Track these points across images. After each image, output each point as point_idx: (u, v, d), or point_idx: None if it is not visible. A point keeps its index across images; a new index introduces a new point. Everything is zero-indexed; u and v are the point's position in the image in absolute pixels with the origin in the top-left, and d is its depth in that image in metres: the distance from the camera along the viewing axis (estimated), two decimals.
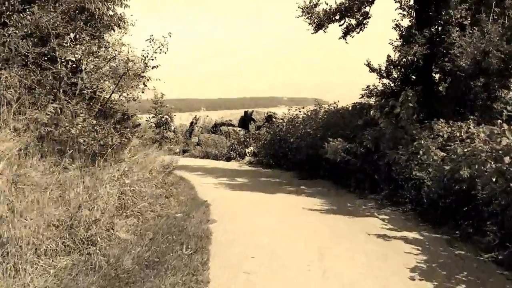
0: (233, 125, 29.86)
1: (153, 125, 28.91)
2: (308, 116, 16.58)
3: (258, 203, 9.99)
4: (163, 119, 28.58)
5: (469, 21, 10.56)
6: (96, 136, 7.98)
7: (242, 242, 6.69)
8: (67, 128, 7.54)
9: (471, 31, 10.05)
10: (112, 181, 6.87)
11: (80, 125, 7.54)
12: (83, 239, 5.40)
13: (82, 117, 8.55)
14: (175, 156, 24.43)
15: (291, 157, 16.22)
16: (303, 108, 17.91)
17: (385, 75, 13.08)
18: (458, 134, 8.79)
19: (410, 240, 7.05)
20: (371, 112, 10.73)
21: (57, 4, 12.33)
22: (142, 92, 12.44)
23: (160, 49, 12.09)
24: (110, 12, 14.45)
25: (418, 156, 9.04)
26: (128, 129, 9.74)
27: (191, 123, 32.32)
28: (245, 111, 30.68)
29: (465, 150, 7.05)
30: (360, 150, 10.88)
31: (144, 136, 18.44)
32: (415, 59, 11.40)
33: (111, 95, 10.83)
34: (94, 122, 8.54)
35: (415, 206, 9.12)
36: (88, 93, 10.97)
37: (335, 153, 11.05)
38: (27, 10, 11.53)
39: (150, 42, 12.08)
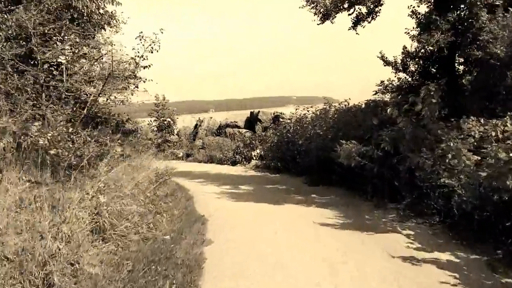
0: (239, 127, 28.83)
1: (155, 128, 28.03)
2: (317, 115, 15.44)
3: (263, 217, 8.89)
4: (165, 122, 27.66)
5: (501, 1, 9.31)
6: (72, 146, 6.94)
7: (241, 273, 5.60)
8: (36, 138, 6.53)
9: (504, 13, 8.82)
10: (84, 200, 5.83)
11: (50, 134, 6.50)
12: (38, 279, 4.37)
13: (60, 124, 7.56)
14: (176, 162, 23.57)
15: (300, 160, 15.11)
16: (311, 107, 16.77)
17: (401, 68, 11.89)
18: (493, 133, 7.60)
19: (444, 263, 5.92)
20: (388, 110, 9.57)
21: (41, 2, 11.46)
22: (132, 94, 11.45)
23: (152, 47, 11.08)
24: (100, 10, 13.58)
25: (447, 160, 7.88)
26: (109, 137, 8.68)
27: (196, 125, 31.38)
28: (251, 112, 29.65)
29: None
30: (377, 153, 9.75)
31: (140, 142, 17.37)
32: (436, 49, 10.20)
33: (96, 99, 9.81)
34: (70, 130, 7.50)
35: (443, 218, 8.01)
36: (71, 97, 10.02)
37: (349, 157, 9.92)
38: (12, 11, 10.67)
39: (140, 39, 11.07)
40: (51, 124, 7.84)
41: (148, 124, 28.44)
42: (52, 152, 6.31)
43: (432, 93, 8.72)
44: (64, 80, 9.15)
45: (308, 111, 16.73)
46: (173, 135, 28.49)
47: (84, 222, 5.39)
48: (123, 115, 11.76)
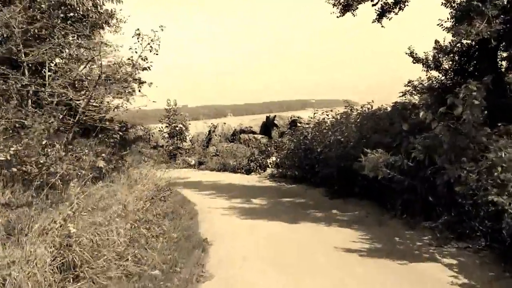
0: (254, 132, 27.75)
1: (167, 135, 27.15)
2: (337, 120, 14.19)
3: (276, 242, 7.73)
4: (177, 128, 26.74)
5: None
6: (45, 161, 5.93)
7: None
8: None
9: None
10: (51, 230, 4.79)
11: (13, 148, 5.50)
12: None
13: (34, 136, 6.57)
14: (188, 170, 22.59)
15: (319, 169, 13.89)
16: (331, 110, 15.51)
17: (433, 66, 10.60)
18: None
19: None
20: (421, 114, 8.28)
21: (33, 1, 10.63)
22: (128, 100, 10.47)
23: (151, 46, 10.10)
24: (99, 9, 12.71)
25: (495, 174, 6.60)
26: (86, 150, 7.63)
27: (209, 131, 30.38)
28: (266, 116, 28.54)
29: None
30: (408, 164, 8.50)
31: (142, 151, 16.39)
32: (476, 41, 8.89)
33: (86, 105, 8.83)
34: (45, 142, 6.48)
35: (490, 241, 6.76)
36: (59, 104, 9.07)
37: (375, 168, 8.67)
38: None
39: (137, 38, 10.09)
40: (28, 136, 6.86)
41: (159, 130, 27.59)
42: (14, 169, 5.30)
43: (474, 93, 7.45)
44: (47, 84, 8.21)
45: (327, 115, 15.49)
46: (185, 141, 27.54)
47: (45, 260, 4.33)
48: (115, 123, 10.72)
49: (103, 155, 8.41)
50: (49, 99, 8.70)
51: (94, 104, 9.47)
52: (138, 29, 9.90)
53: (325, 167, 13.33)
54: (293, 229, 8.52)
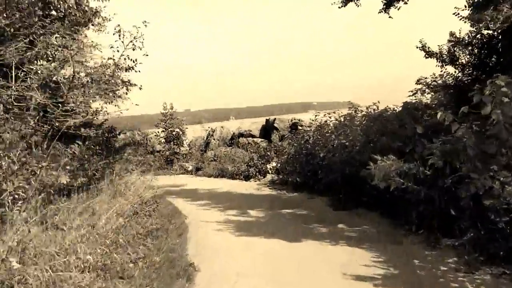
0: (254, 136, 26.64)
1: (163, 140, 26.07)
2: (341, 123, 13.03)
3: (274, 265, 6.61)
4: (173, 133, 25.65)
5: None
6: None
7: None
8: None
9: None
10: None
11: None
12: None
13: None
14: (185, 176, 21.46)
15: (322, 176, 12.76)
16: (334, 112, 14.37)
17: (448, 60, 9.46)
18: None
19: None
20: (439, 114, 7.10)
21: None
22: (110, 103, 9.40)
23: (133, 44, 9.00)
24: (83, 7, 11.69)
25: None
26: (44, 163, 6.46)
27: (208, 135, 29.27)
28: (266, 119, 27.44)
29: None
30: (424, 172, 7.38)
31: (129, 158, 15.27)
32: (497, 32, 7.77)
33: (56, 109, 7.71)
34: None
35: None
36: (28, 108, 7.97)
37: (386, 177, 7.55)
38: None
39: (119, 35, 9.00)
40: None
41: (155, 135, 26.50)
42: None
43: (503, 89, 6.32)
44: (12, 87, 7.10)
45: (330, 117, 14.36)
46: (183, 146, 26.42)
47: None
48: (91, 130, 9.62)
49: (67, 167, 7.28)
50: (15, 103, 7.59)
51: (68, 108, 8.34)
52: (118, 25, 8.82)
53: (329, 174, 12.20)
54: (294, 249, 7.37)
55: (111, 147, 13.45)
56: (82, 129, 8.85)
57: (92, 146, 12.09)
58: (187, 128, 26.59)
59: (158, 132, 26.42)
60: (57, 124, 7.60)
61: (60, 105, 7.49)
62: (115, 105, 12.71)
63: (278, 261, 6.75)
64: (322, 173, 12.68)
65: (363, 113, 12.53)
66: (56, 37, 9.71)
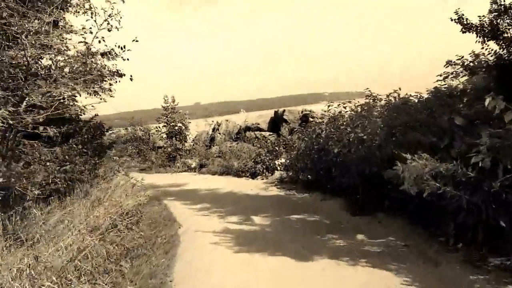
0: (261, 129, 25.25)
1: (165, 135, 24.85)
2: (357, 113, 11.59)
3: None
4: (176, 128, 24.39)
5: None
6: None
7: None
8: None
9: None
10: None
11: None
12: None
13: None
14: (188, 174, 20.14)
15: (336, 175, 11.38)
16: (349, 102, 12.91)
17: (490, 36, 7.96)
18: None
19: None
20: (487, 101, 5.68)
21: None
22: (94, 95, 8.15)
23: (108, 23, 7.69)
24: None
25: None
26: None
27: (213, 129, 27.96)
28: (275, 111, 26.03)
29: None
30: (466, 174, 6.00)
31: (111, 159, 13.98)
32: None
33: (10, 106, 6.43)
34: None
35: None
36: None
37: (419, 181, 6.19)
38: None
39: (91, 15, 7.68)
40: None
41: (156, 130, 25.28)
42: None
43: None
44: None
45: (344, 107, 12.91)
46: (186, 142, 25.14)
47: None
48: (49, 130, 8.33)
49: (37, 177, 6.07)
50: None
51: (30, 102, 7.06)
52: (88, 1, 7.50)
53: (344, 172, 10.82)
54: (304, 271, 6.04)
55: (98, 146, 12.25)
56: (41, 128, 7.55)
57: (74, 146, 10.92)
58: (189, 122, 25.29)
59: (159, 127, 25.18)
60: (10, 122, 6.31)
61: (12, 98, 6.20)
62: (101, 99, 11.54)
63: (284, 286, 5.44)
64: (337, 171, 11.29)
65: (382, 102, 11.10)
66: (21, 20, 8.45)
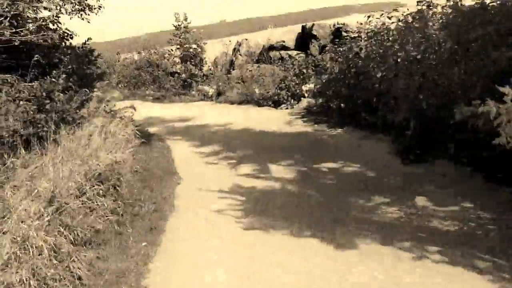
0: (287, 48, 22.59)
1: (178, 60, 22.59)
2: (407, 25, 9.02)
3: None
4: (190, 50, 22.03)
5: None
6: None
7: None
8: None
9: None
10: None
11: None
12: None
13: None
14: (203, 103, 18.05)
15: (381, 107, 9.14)
16: (395, 10, 10.21)
17: None
18: None
19: None
20: None
21: None
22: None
23: None
24: None
25: None
26: None
27: (233, 50, 25.38)
28: (302, 26, 23.16)
29: None
30: None
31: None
32: None
33: None
34: None
35: None
36: None
37: None
38: None
39: None
40: None
41: (168, 54, 22.96)
42: None
43: None
44: None
45: (389, 17, 10.23)
46: (202, 66, 22.81)
47: None
48: None
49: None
50: None
51: None
52: None
53: (390, 105, 8.56)
54: (342, 265, 4.08)
55: (84, 78, 10.28)
56: None
57: (54, 80, 9.00)
58: (206, 43, 22.75)
59: (171, 50, 22.83)
60: None
61: None
62: (83, 19, 9.64)
63: None
64: (380, 103, 9.04)
65: (443, 6, 8.49)
66: None
